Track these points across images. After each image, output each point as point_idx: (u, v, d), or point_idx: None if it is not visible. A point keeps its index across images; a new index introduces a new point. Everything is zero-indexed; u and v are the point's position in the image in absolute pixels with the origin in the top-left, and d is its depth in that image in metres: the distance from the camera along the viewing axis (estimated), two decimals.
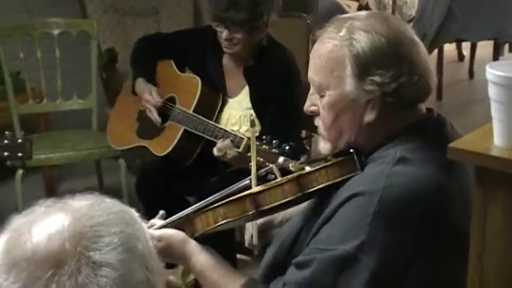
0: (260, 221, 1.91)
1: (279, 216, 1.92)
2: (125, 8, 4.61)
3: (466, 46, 6.36)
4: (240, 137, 2.63)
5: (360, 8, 5.97)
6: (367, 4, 6.15)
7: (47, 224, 0.87)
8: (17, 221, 0.90)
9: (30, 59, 3.84)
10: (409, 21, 6.08)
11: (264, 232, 1.91)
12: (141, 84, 3.07)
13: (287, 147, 2.21)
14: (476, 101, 5.79)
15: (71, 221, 0.86)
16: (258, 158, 2.36)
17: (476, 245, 1.45)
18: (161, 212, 1.78)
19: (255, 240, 1.87)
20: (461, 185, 1.59)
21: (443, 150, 1.53)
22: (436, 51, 5.53)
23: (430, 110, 1.70)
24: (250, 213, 1.62)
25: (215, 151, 2.68)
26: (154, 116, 3.01)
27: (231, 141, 2.64)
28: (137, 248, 0.88)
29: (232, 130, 2.74)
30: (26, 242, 0.85)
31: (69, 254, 0.83)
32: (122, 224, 0.89)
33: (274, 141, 2.26)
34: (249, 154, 2.40)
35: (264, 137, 2.26)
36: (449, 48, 6.26)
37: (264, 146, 2.25)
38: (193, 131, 2.87)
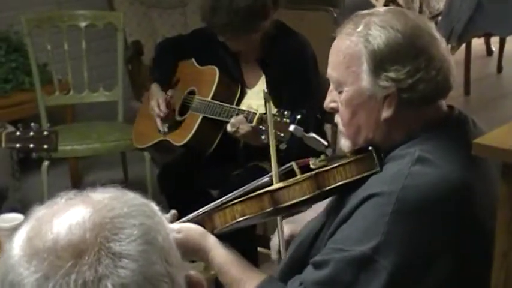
0: (286, 234, 1.90)
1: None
2: (151, 1, 4.62)
3: (494, 41, 6.30)
4: (253, 113, 2.64)
5: (387, 3, 5.92)
6: None
7: (68, 215, 0.87)
8: (39, 212, 0.90)
9: (58, 51, 3.86)
10: (437, 15, 6.02)
11: (290, 245, 1.90)
12: (153, 89, 3.12)
13: (298, 116, 2.21)
14: (504, 96, 5.73)
15: (92, 213, 0.87)
16: None
17: (501, 243, 1.43)
18: (172, 211, 1.77)
19: (283, 254, 1.86)
20: (486, 184, 1.57)
21: (465, 148, 1.51)
22: (464, 45, 5.47)
23: (451, 107, 1.67)
24: (268, 210, 1.61)
25: (228, 127, 2.70)
26: (158, 124, 3.06)
27: (245, 117, 2.65)
28: (157, 240, 0.88)
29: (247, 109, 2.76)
30: (47, 232, 0.86)
31: (90, 244, 0.83)
32: (142, 217, 0.89)
33: (285, 112, 2.27)
34: (260, 127, 2.43)
35: (275, 110, 2.27)
36: (478, 42, 6.19)
37: (275, 118, 2.26)
38: (211, 116, 2.89)
